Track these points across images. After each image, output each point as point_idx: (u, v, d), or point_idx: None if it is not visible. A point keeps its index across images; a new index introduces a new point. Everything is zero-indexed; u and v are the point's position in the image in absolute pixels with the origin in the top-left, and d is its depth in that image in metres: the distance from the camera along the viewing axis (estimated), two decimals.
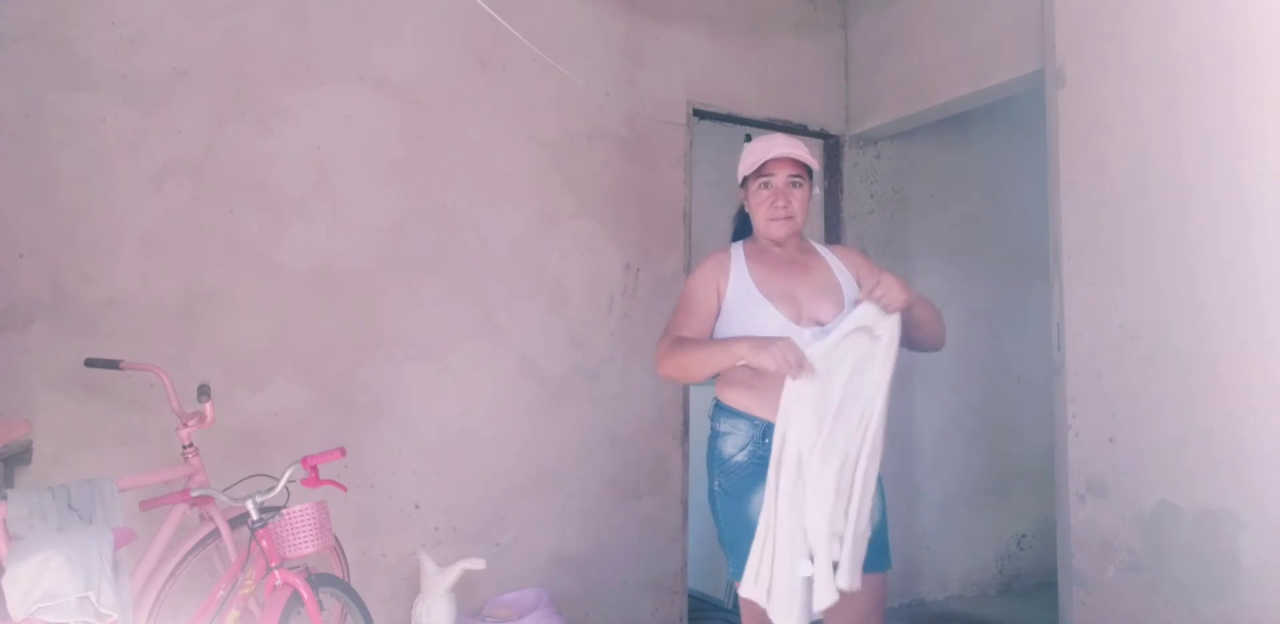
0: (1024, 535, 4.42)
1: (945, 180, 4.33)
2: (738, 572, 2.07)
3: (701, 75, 3.70)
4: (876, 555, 2.06)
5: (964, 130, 4.30)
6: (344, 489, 2.49)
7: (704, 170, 3.96)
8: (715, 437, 2.19)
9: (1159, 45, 2.66)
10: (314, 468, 2.38)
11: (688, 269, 3.60)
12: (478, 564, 2.79)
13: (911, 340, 2.16)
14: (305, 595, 2.24)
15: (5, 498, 1.91)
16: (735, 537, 2.09)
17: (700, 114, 3.74)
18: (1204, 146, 2.53)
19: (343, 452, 2.44)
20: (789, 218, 2.18)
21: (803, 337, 2.04)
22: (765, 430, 2.05)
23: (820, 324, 2.07)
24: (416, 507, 3.03)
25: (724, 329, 2.15)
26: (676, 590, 3.51)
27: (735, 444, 2.12)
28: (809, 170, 2.22)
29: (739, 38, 3.81)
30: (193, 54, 2.78)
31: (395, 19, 3.09)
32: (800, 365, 1.89)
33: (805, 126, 3.98)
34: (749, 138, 4.58)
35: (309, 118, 2.93)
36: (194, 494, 2.28)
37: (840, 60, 4.10)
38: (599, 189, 3.45)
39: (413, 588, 2.92)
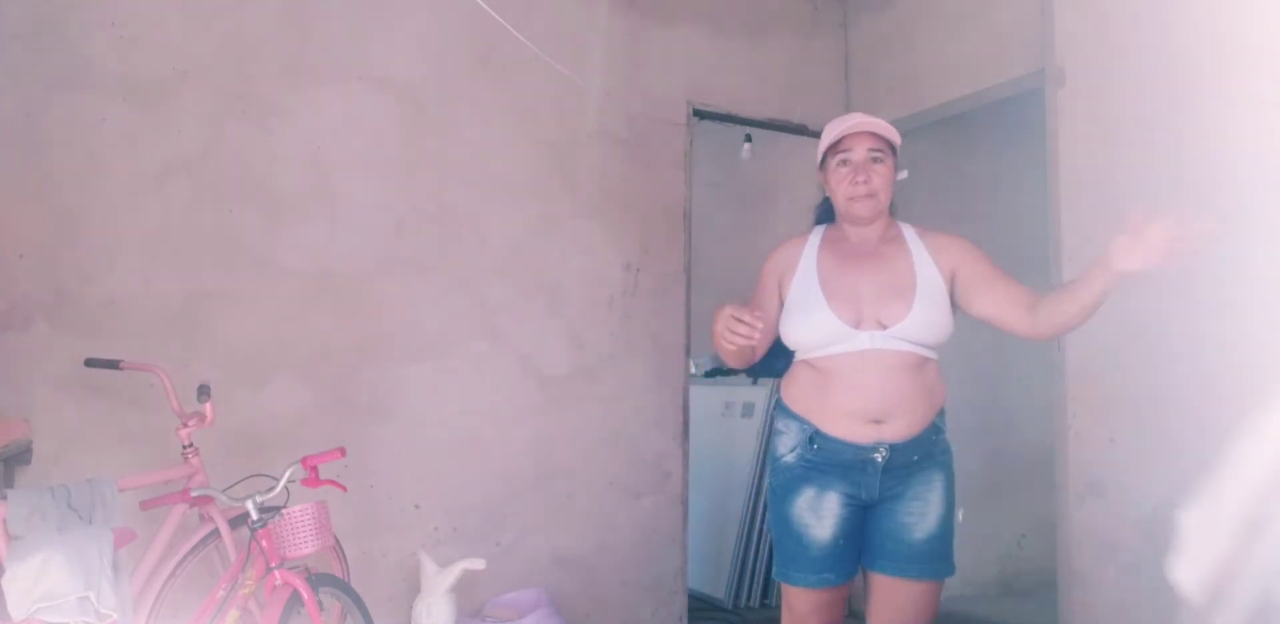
0: (1024, 535, 4.41)
1: (945, 180, 4.32)
2: (780, 572, 2.05)
3: (701, 75, 3.70)
4: (937, 563, 1.96)
5: (964, 130, 4.29)
6: (344, 489, 2.49)
7: (704, 170, 3.96)
8: (772, 434, 2.12)
9: (1159, 45, 2.66)
10: (314, 468, 2.38)
11: (688, 269, 3.60)
12: (478, 564, 2.79)
13: (1053, 319, 1.88)
14: (305, 595, 2.24)
15: (5, 498, 1.91)
16: (778, 536, 2.06)
17: (700, 114, 3.73)
18: (1203, 146, 2.53)
19: (343, 452, 2.44)
20: (870, 195, 2.00)
21: (858, 340, 1.92)
22: (812, 436, 1.98)
23: (884, 327, 1.92)
24: (416, 507, 3.03)
25: (784, 328, 2.05)
26: (676, 590, 3.51)
27: (786, 445, 2.04)
28: (892, 147, 2.05)
29: (739, 38, 3.81)
30: (193, 54, 2.78)
31: (395, 19, 3.09)
32: (735, 325, 1.73)
33: (805, 126, 3.97)
34: (749, 138, 4.59)
35: (309, 118, 2.93)
36: (194, 494, 2.28)
37: (840, 60, 4.10)
38: (599, 189, 3.45)
39: (413, 588, 2.92)
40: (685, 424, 3.58)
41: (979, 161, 4.40)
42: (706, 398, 4.41)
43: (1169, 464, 2.57)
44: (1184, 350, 2.56)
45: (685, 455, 3.57)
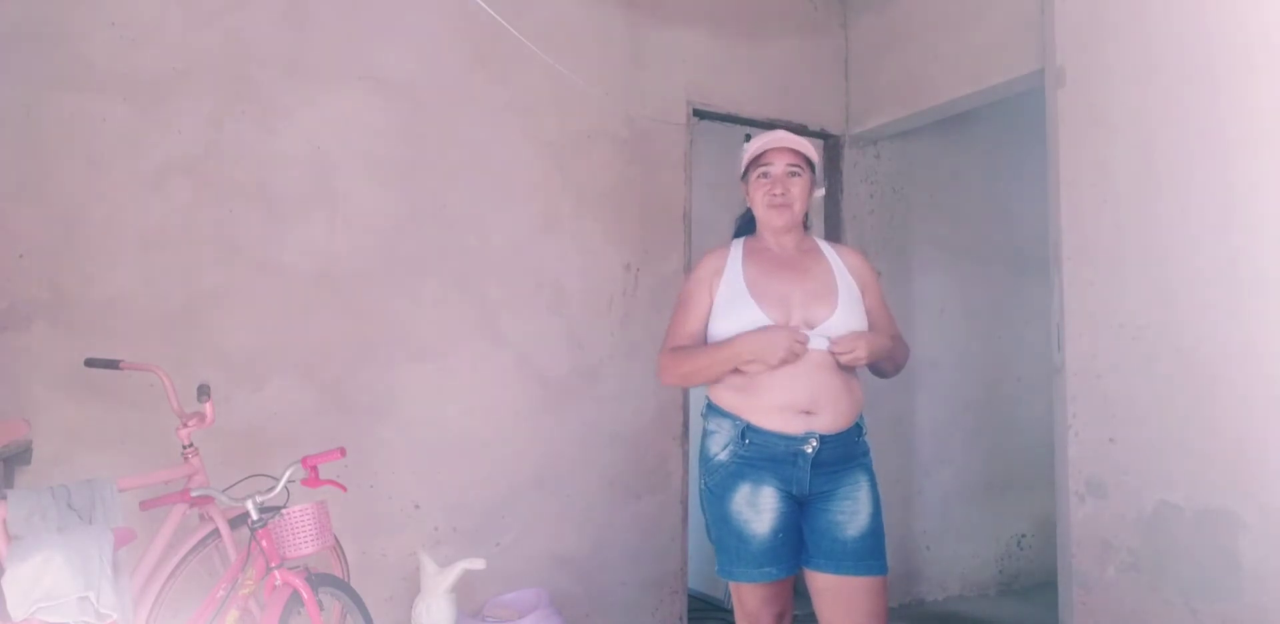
0: (1024, 535, 4.42)
1: (945, 180, 4.32)
2: (724, 570, 2.09)
3: (701, 75, 3.70)
4: (872, 559, 2.05)
5: (964, 130, 4.30)
6: (344, 489, 2.49)
7: (704, 170, 3.96)
8: (704, 435, 2.19)
9: (1159, 45, 2.66)
10: (314, 468, 2.38)
11: (688, 269, 3.60)
12: (478, 564, 2.79)
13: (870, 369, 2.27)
14: (305, 595, 2.24)
15: (5, 498, 1.91)
16: (721, 535, 2.11)
17: (700, 114, 3.73)
18: (1204, 146, 2.53)
19: (342, 452, 2.44)
20: (787, 206, 2.16)
21: None
22: (745, 430, 2.06)
23: (811, 326, 2.06)
24: (416, 507, 3.03)
25: (713, 329, 2.15)
26: (676, 590, 3.51)
27: (719, 443, 2.12)
28: (809, 163, 2.20)
29: (739, 38, 3.81)
30: (193, 54, 2.78)
31: (395, 19, 3.09)
32: (802, 343, 2.00)
33: (805, 126, 3.98)
34: (749, 138, 4.59)
35: (309, 118, 2.93)
36: (194, 494, 2.28)
37: (840, 60, 4.10)
38: (599, 189, 3.45)
39: (413, 588, 2.92)
40: (685, 424, 3.58)
41: (979, 161, 4.41)
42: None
43: (1169, 464, 2.57)
44: (1185, 350, 2.56)
45: (685, 455, 3.57)
